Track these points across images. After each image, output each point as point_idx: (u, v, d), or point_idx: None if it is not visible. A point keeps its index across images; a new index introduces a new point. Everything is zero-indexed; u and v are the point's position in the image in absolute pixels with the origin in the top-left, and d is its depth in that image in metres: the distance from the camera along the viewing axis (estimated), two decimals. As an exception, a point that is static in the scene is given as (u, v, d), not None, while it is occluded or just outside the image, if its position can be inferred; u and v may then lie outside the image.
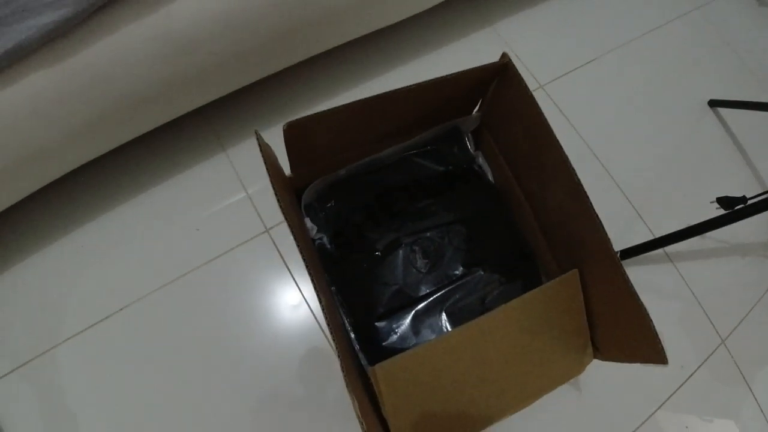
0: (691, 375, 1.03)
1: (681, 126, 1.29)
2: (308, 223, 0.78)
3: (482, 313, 0.62)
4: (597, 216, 0.60)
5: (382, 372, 0.58)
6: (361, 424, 0.50)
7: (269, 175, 0.58)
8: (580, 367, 0.67)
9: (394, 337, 0.70)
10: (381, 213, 0.78)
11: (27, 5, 0.68)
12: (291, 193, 0.75)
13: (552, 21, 1.36)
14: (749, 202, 0.93)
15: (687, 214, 1.05)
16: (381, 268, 0.74)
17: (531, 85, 1.24)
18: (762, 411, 1.03)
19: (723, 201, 0.98)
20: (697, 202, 1.13)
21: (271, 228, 1.03)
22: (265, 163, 0.59)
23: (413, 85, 0.65)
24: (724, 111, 1.31)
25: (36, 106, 0.75)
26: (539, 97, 1.24)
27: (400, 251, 0.75)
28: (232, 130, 1.12)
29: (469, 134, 0.86)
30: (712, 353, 1.06)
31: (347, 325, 0.73)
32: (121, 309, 0.95)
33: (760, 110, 1.19)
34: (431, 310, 0.72)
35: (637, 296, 0.57)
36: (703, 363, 1.04)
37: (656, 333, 0.55)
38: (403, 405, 0.59)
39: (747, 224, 0.93)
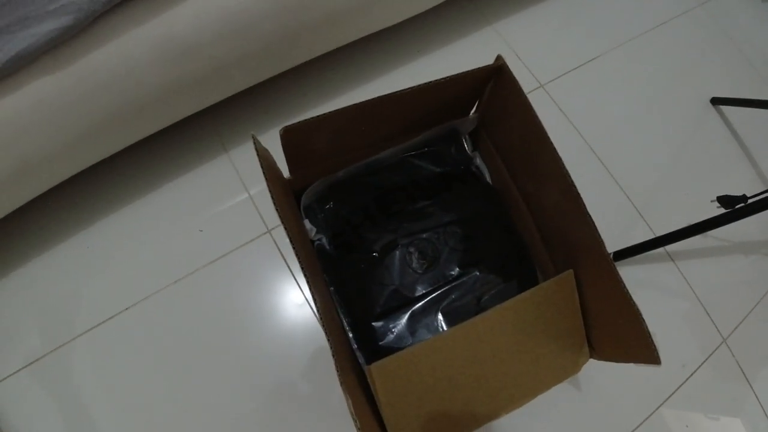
0: (693, 373, 1.03)
1: (683, 124, 1.29)
2: (307, 224, 0.79)
3: (478, 313, 0.63)
4: (590, 217, 0.61)
5: (377, 371, 0.59)
6: (355, 422, 0.51)
7: (266, 179, 0.59)
8: (575, 367, 0.68)
9: (391, 336, 0.71)
10: (379, 214, 0.79)
11: (30, 13, 0.70)
12: (290, 195, 0.76)
13: (552, 20, 1.36)
14: (749, 201, 0.93)
15: (689, 213, 1.05)
16: (378, 269, 0.75)
17: (531, 84, 1.26)
18: (763, 409, 1.03)
19: (723, 200, 0.98)
20: (699, 201, 1.12)
21: (273, 228, 1.05)
22: (262, 167, 0.60)
23: (410, 88, 0.65)
24: (726, 109, 1.31)
25: (40, 113, 0.77)
26: (539, 96, 1.25)
27: (397, 252, 0.75)
28: (233, 131, 1.13)
29: (467, 135, 0.86)
30: (714, 352, 1.05)
31: (345, 324, 0.74)
32: (127, 309, 0.96)
33: (762, 108, 1.18)
34: (427, 310, 0.73)
35: (631, 297, 0.58)
36: (704, 361, 1.04)
37: (649, 334, 0.56)
38: (399, 403, 0.60)
39: (749, 223, 0.92)
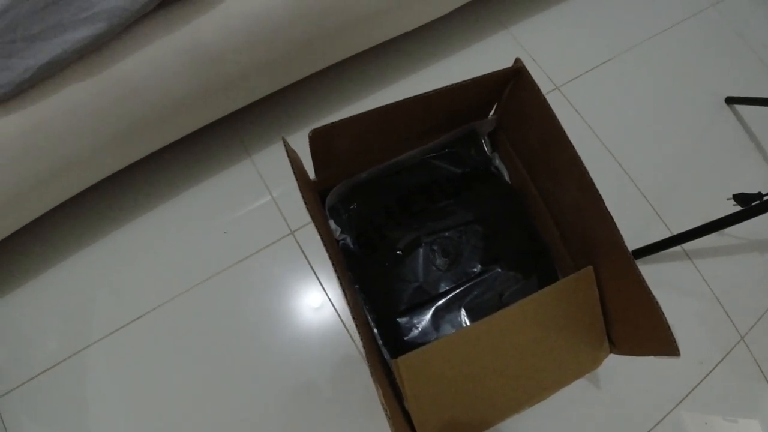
0: (711, 371, 1.03)
1: (698, 124, 1.30)
2: (332, 224, 0.81)
3: (500, 308, 0.64)
4: (609, 213, 0.62)
5: (404, 364, 0.61)
6: (385, 410, 0.53)
7: (297, 179, 0.61)
8: (596, 362, 0.69)
9: (416, 332, 0.73)
10: (402, 214, 0.81)
11: (63, 20, 0.72)
12: (315, 196, 0.79)
13: (566, 23, 1.38)
14: (765, 198, 0.94)
15: (705, 212, 1.06)
16: (402, 267, 0.77)
17: (547, 86, 1.28)
18: (782, 406, 1.03)
19: (739, 198, 0.99)
20: (715, 200, 1.13)
21: (296, 230, 1.07)
22: (293, 168, 0.62)
23: (431, 91, 0.67)
24: (741, 108, 1.31)
25: (71, 118, 0.79)
26: (555, 98, 1.27)
27: (421, 250, 0.77)
28: (256, 136, 1.16)
29: (486, 136, 0.88)
30: (732, 350, 1.06)
31: (370, 321, 0.76)
32: (153, 309, 0.99)
33: (777, 106, 1.19)
34: (451, 306, 0.75)
35: (649, 289, 0.59)
36: (722, 359, 1.04)
37: (668, 325, 0.57)
38: (424, 396, 0.62)
39: (765, 220, 0.93)
